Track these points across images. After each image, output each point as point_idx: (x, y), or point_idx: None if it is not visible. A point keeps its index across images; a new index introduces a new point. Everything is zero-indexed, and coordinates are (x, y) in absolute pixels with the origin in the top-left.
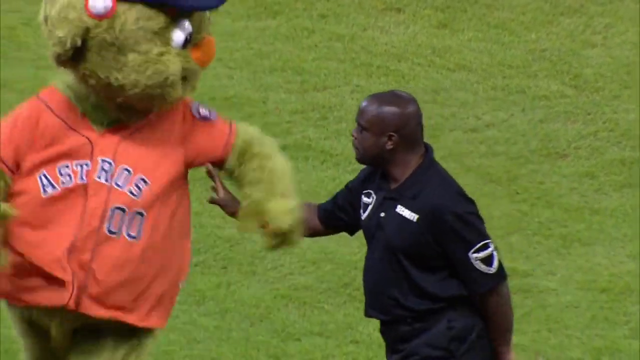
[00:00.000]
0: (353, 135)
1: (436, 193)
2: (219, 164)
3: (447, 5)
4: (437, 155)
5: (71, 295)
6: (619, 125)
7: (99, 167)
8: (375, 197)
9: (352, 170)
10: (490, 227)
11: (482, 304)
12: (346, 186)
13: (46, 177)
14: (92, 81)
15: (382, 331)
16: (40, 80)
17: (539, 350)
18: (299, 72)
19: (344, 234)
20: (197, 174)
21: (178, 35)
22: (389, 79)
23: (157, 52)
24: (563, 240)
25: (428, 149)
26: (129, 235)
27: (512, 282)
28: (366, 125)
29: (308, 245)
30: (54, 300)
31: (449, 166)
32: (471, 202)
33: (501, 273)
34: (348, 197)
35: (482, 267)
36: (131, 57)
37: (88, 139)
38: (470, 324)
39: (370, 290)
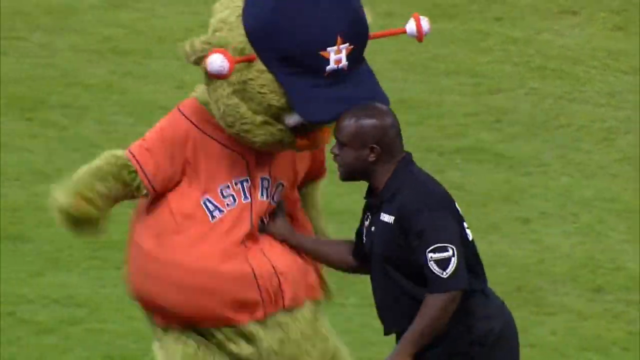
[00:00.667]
0: (333, 153)
1: (407, 192)
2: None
3: (623, 8)
4: (613, 158)
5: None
6: None
7: (259, 184)
8: (368, 217)
9: (526, 173)
10: None
11: (424, 300)
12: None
13: (211, 202)
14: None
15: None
16: None
17: None
18: (473, 75)
19: (518, 240)
20: None
21: (293, 120)
22: (563, 82)
23: (262, 120)
24: None
25: (407, 155)
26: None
27: None
28: (345, 140)
29: (482, 249)
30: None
31: (623, 169)
32: (443, 203)
33: (454, 281)
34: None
35: (436, 268)
36: (241, 107)
37: (241, 154)
38: (489, 328)
39: (380, 309)
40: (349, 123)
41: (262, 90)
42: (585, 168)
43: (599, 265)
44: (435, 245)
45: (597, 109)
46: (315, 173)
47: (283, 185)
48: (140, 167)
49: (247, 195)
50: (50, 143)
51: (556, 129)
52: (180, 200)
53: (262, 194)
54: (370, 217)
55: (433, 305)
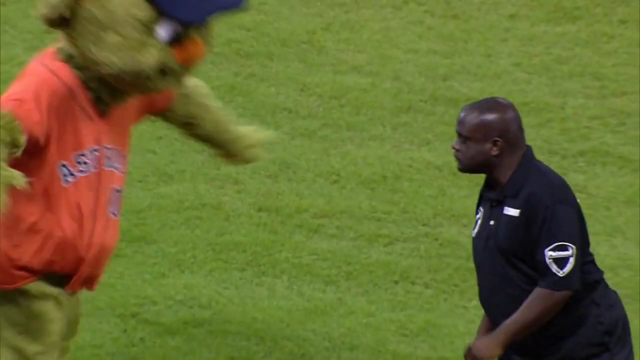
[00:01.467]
0: (455, 148)
1: (534, 185)
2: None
3: None
4: None
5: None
6: None
7: (105, 153)
8: (482, 210)
9: None
10: None
11: (532, 293)
12: None
13: (65, 167)
14: (75, 50)
15: (522, 342)
16: (339, 85)
17: None
18: (598, 78)
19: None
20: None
21: (164, 30)
22: None
23: (137, 40)
24: None
25: (528, 149)
26: (113, 213)
27: None
28: (469, 134)
29: (605, 252)
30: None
31: None
32: (569, 199)
33: (568, 282)
34: None
35: (554, 267)
36: (111, 36)
37: (97, 125)
38: (615, 315)
39: (494, 309)
40: (472, 117)
41: (128, 8)
42: None
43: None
44: (557, 244)
45: None
46: (160, 107)
47: (124, 157)
48: (24, 126)
49: (97, 164)
50: (174, 144)
51: None
52: (37, 163)
53: (107, 164)
54: (489, 210)
55: (544, 300)
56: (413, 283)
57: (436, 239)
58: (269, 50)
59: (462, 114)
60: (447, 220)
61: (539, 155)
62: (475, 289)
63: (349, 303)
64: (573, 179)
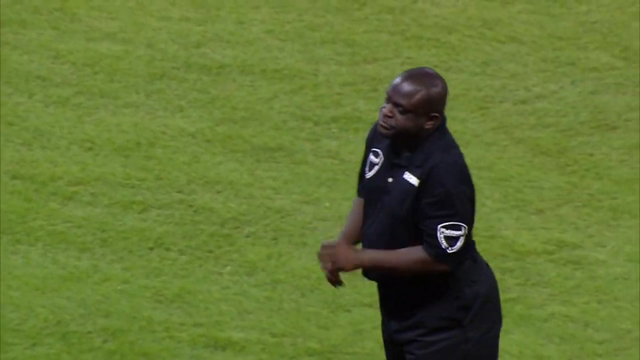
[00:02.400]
0: (387, 115)
1: (439, 161)
2: None
3: None
4: (488, 127)
5: None
6: None
7: None
8: (383, 159)
9: None
10: (540, 199)
11: (415, 248)
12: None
13: None
14: None
15: (383, 294)
16: (92, 52)
17: (587, 321)
18: (349, 45)
19: None
20: (247, 146)
21: None
22: (439, 51)
23: None
24: (613, 212)
25: (443, 120)
26: None
27: (561, 254)
28: (412, 108)
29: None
30: None
31: (499, 137)
32: (468, 179)
33: (452, 259)
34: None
35: (444, 242)
36: None
37: None
38: (475, 292)
39: (372, 245)
40: (418, 91)
41: None
42: (460, 136)
43: (474, 233)
44: (451, 223)
45: (472, 77)
46: None
47: None
48: None
49: None
50: None
51: None
52: None
53: None
54: (391, 167)
55: (422, 264)
56: (168, 249)
57: (190, 206)
58: (21, 18)
59: (405, 86)
60: (200, 187)
61: (292, 122)
62: (229, 256)
63: (103, 270)
64: (326, 145)
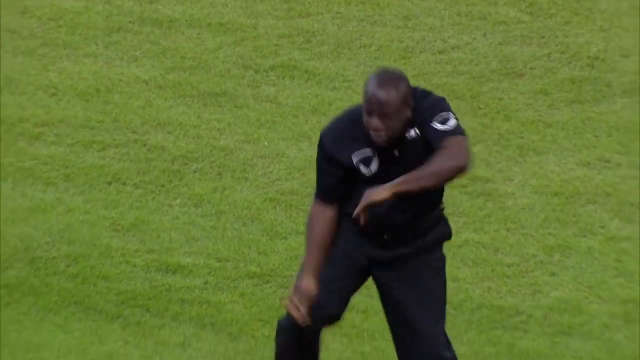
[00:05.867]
0: (377, 129)
1: (418, 106)
2: None
3: None
4: (409, 75)
5: None
6: (570, 47)
7: None
8: (373, 149)
9: (333, 88)
10: None
11: (439, 151)
12: (323, 172)
13: None
14: None
15: (388, 238)
16: (57, 8)
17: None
18: (285, 1)
19: None
20: (194, 91)
21: None
22: (365, 6)
23: None
24: (520, 149)
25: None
26: None
27: (474, 187)
28: (394, 110)
29: (294, 154)
30: None
31: (419, 84)
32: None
33: (459, 129)
34: (335, 171)
35: (439, 126)
36: None
37: None
38: (449, 230)
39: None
40: (392, 95)
41: None
42: None
43: None
44: (440, 117)
45: (395, 30)
46: None
47: None
48: None
49: None
50: None
51: (359, 48)
52: None
53: None
54: (387, 148)
55: (458, 145)
56: (124, 184)
57: (144, 145)
58: None
59: (381, 95)
60: (153, 128)
61: (235, 70)
62: (179, 189)
63: (67, 202)
64: (265, 91)
